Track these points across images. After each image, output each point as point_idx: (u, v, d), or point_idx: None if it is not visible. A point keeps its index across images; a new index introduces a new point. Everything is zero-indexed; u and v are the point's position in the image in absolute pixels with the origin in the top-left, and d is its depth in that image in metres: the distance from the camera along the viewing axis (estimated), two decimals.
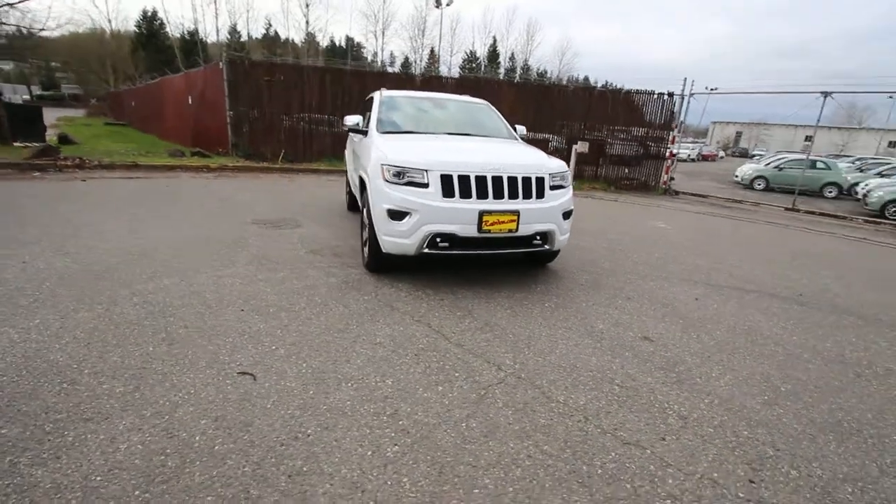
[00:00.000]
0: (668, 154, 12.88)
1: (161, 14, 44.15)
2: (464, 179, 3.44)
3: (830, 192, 15.44)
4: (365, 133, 4.62)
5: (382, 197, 3.53)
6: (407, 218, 3.45)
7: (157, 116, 18.71)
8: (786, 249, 6.47)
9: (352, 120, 4.75)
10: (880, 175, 15.55)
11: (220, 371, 2.35)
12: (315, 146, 12.87)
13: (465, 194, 3.44)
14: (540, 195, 3.66)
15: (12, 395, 2.06)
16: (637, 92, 12.57)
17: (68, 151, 10.42)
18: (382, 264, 3.91)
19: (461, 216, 3.42)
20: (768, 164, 17.05)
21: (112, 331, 2.69)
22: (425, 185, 3.44)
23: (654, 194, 12.36)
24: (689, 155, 30.94)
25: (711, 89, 12.09)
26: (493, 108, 5.41)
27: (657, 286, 4.18)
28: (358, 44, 61.93)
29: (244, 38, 46.64)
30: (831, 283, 4.77)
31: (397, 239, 3.52)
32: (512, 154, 3.95)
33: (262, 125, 12.30)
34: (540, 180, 3.66)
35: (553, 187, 3.75)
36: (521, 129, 5.18)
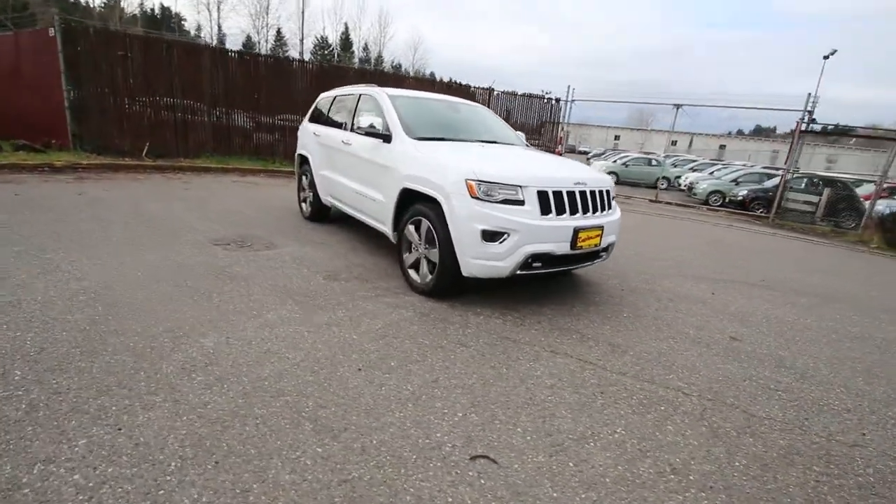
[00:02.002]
0: (555, 152, 14.24)
1: None
2: (557, 195, 3.28)
3: (663, 184, 18.98)
4: (384, 137, 4.03)
5: (473, 216, 3.14)
6: (504, 239, 3.15)
7: None
8: (698, 239, 7.79)
9: (366, 121, 4.08)
10: (692, 170, 19.76)
11: (446, 460, 1.83)
12: (191, 139, 10.75)
13: (560, 211, 3.29)
14: (609, 207, 3.71)
15: None
16: (530, 96, 13.56)
17: None
18: (450, 289, 3.51)
19: (558, 234, 3.26)
20: (615, 161, 20.19)
21: (224, 433, 1.86)
22: (521, 203, 3.18)
23: None
24: None
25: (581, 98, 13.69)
26: (491, 111, 5.26)
27: (673, 284, 4.62)
28: (177, 15, 53.30)
29: None
30: (766, 269, 5.92)
31: (491, 262, 3.18)
32: (577, 167, 3.92)
33: (115, 111, 9.76)
34: (608, 193, 3.71)
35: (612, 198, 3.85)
36: (521, 135, 5.15)
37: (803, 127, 11.11)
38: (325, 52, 47.53)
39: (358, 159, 4.44)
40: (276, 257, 4.24)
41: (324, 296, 3.43)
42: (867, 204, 11.71)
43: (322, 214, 5.73)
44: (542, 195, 3.22)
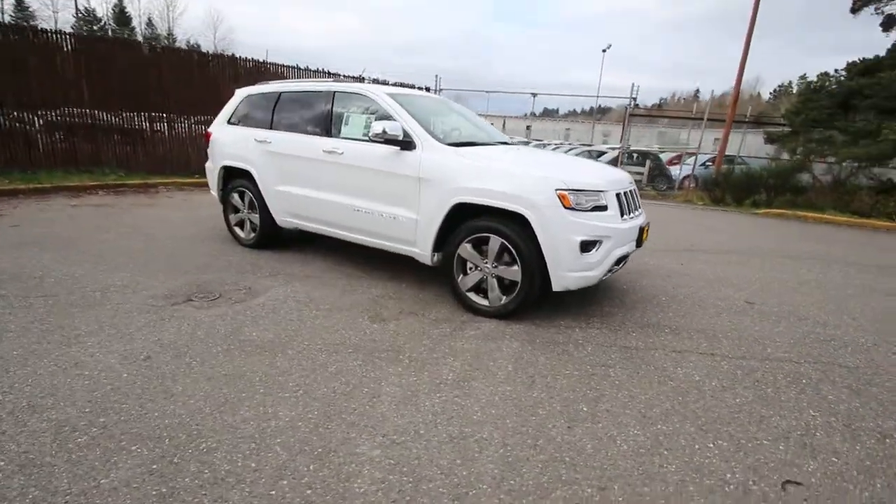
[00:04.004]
0: None
1: None
2: (625, 196, 3.30)
3: None
4: (402, 144, 3.44)
5: (570, 228, 2.94)
6: (598, 247, 3.04)
7: None
8: None
9: (379, 126, 3.40)
10: None
11: (768, 499, 1.71)
12: None
13: (627, 211, 3.32)
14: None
15: None
16: (402, 84, 13.20)
17: None
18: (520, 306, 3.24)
19: (630, 235, 3.29)
20: None
21: None
22: (605, 208, 3.10)
23: None
24: None
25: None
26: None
27: (652, 260, 5.12)
28: None
29: None
30: (674, 234, 7.05)
31: (585, 272, 3.05)
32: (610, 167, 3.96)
33: None
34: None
35: None
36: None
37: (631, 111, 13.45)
38: (94, 27, 37.92)
39: (359, 171, 3.70)
40: (278, 307, 3.31)
41: (403, 345, 2.82)
42: (673, 170, 14.94)
43: (273, 239, 4.68)
44: (618, 197, 3.21)
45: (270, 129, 4.36)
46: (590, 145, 23.97)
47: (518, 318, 3.28)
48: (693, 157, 15.74)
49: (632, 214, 3.38)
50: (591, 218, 3.01)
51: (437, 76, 13.22)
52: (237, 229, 4.82)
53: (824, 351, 3.07)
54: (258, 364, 2.50)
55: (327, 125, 3.98)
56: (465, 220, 3.29)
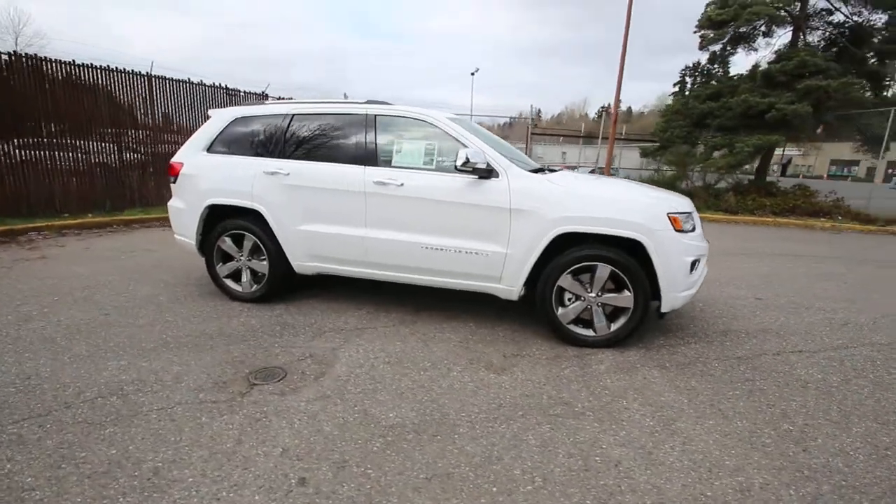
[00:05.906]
0: None
1: None
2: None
3: None
4: (481, 173, 3.15)
5: (683, 250, 3.01)
6: (698, 265, 3.17)
7: None
8: None
9: (464, 155, 3.04)
10: None
11: None
12: None
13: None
14: None
15: None
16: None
17: None
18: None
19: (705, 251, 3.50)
20: None
21: None
22: (695, 228, 3.24)
23: None
24: None
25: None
26: None
27: None
28: None
29: None
30: None
31: (690, 291, 3.14)
32: None
33: None
34: None
35: None
36: None
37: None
38: None
39: (427, 204, 3.27)
40: (374, 375, 2.73)
41: (560, 395, 2.55)
42: None
43: (283, 288, 3.89)
44: (697, 218, 3.39)
45: (282, 157, 3.62)
46: None
47: (621, 345, 3.22)
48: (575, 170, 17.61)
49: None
50: (693, 238, 3.12)
51: (344, 94, 12.57)
52: (229, 281, 3.88)
53: (856, 334, 3.63)
54: (446, 454, 2.01)
55: (370, 153, 3.45)
56: (554, 251, 3.14)
